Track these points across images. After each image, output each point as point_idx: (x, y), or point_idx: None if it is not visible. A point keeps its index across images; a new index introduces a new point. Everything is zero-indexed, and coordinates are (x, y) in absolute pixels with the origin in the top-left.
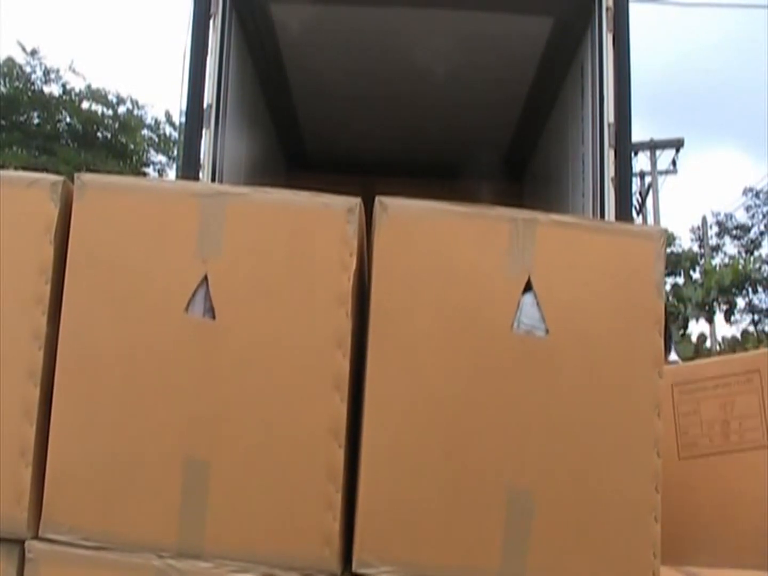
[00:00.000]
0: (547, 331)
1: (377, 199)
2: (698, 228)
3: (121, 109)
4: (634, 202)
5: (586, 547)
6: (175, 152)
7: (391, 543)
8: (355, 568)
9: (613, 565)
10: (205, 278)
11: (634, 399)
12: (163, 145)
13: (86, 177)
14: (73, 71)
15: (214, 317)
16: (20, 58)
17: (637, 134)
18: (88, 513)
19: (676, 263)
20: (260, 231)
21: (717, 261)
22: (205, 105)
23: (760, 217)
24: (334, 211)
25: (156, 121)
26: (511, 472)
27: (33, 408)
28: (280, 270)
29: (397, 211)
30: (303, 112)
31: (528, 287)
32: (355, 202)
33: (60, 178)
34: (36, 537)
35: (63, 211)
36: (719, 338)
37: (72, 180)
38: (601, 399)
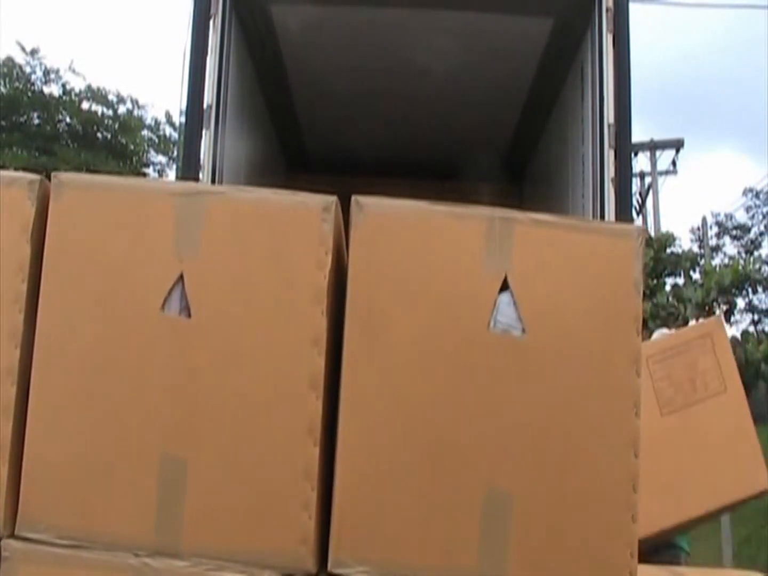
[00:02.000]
0: (523, 330)
1: (353, 198)
2: (698, 228)
3: (121, 109)
4: (634, 203)
5: (563, 546)
6: (175, 153)
7: (367, 542)
8: (330, 567)
9: (591, 565)
10: (182, 277)
11: (612, 398)
12: (163, 145)
13: (63, 176)
14: (73, 71)
15: (190, 315)
16: (20, 58)
17: (637, 134)
18: (65, 511)
19: (676, 264)
20: (237, 230)
21: (717, 261)
22: (205, 105)
23: (760, 217)
24: (310, 209)
25: (156, 121)
26: (488, 472)
27: (10, 406)
28: (257, 268)
29: (374, 210)
30: (303, 112)
31: (505, 286)
32: (331, 200)
33: (37, 177)
34: (12, 536)
35: (40, 210)
36: None
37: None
38: (579, 398)
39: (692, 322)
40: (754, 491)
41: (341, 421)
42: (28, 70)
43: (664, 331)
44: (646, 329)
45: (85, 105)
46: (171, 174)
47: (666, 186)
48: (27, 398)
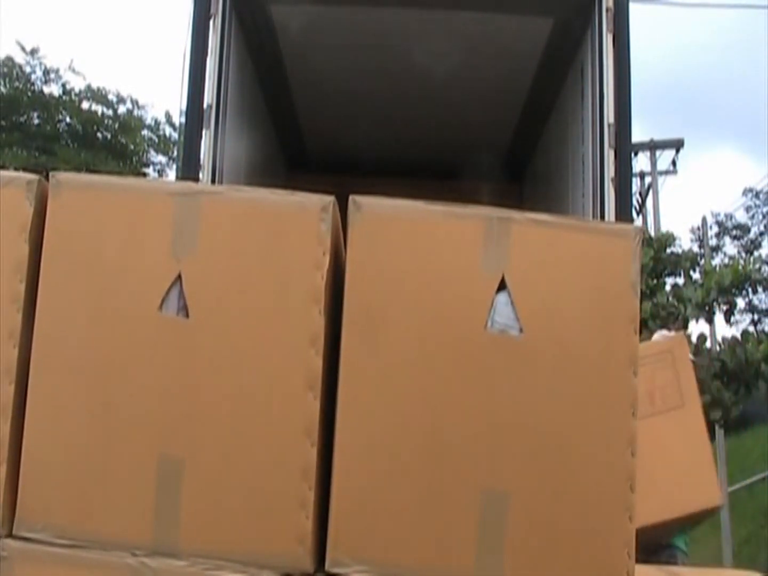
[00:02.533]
0: (521, 330)
1: (351, 198)
2: (698, 228)
3: (121, 109)
4: (634, 203)
5: (561, 547)
6: (175, 153)
7: (364, 542)
8: (328, 567)
9: (588, 565)
10: (179, 277)
11: (609, 398)
12: (163, 145)
13: (61, 176)
14: (73, 71)
15: (187, 315)
16: (20, 58)
17: (637, 134)
18: (63, 511)
19: (676, 263)
20: (235, 230)
21: (717, 261)
22: (205, 105)
23: (760, 217)
24: (308, 209)
25: (156, 121)
26: (485, 472)
27: (8, 405)
28: (254, 268)
29: (371, 210)
30: (303, 112)
31: (502, 286)
32: (329, 200)
33: (35, 177)
34: (10, 535)
35: (38, 209)
36: (719, 338)
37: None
38: (576, 398)
39: (692, 323)
40: (705, 506)
41: (339, 421)
42: (28, 69)
43: (664, 332)
44: (647, 329)
45: (85, 105)
46: (171, 174)
47: (666, 186)
48: (25, 398)
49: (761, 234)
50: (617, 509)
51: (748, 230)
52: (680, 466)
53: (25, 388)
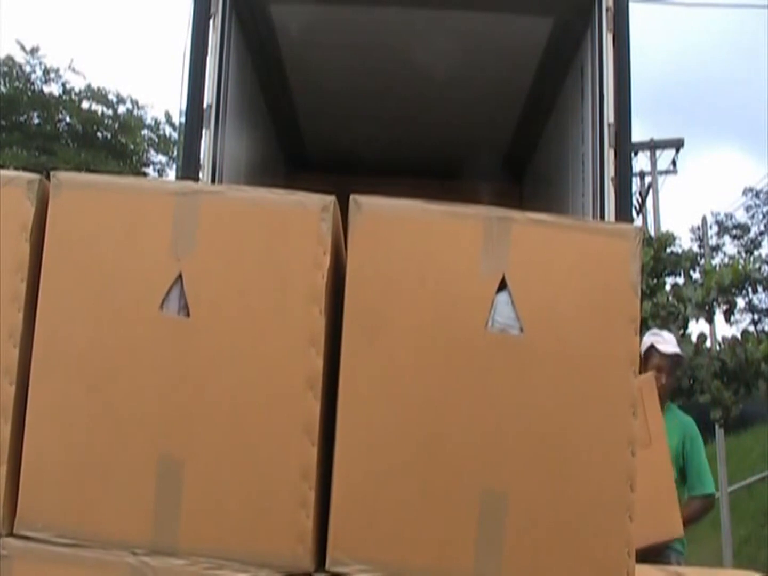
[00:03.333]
0: (521, 329)
1: (351, 197)
2: (698, 228)
3: (121, 109)
4: (634, 202)
5: (560, 546)
6: (175, 153)
7: (364, 542)
8: (328, 566)
9: (588, 565)
10: (180, 276)
11: (609, 398)
12: (163, 145)
13: (62, 175)
14: (73, 70)
15: (188, 315)
16: (20, 57)
17: (637, 134)
18: (63, 510)
19: (676, 263)
20: (234, 229)
21: (717, 261)
22: (205, 105)
23: (760, 217)
24: (308, 209)
25: (156, 121)
26: (485, 472)
27: (8, 405)
28: (254, 268)
29: (371, 209)
30: (303, 112)
31: (502, 286)
32: (330, 200)
33: (36, 177)
34: (11, 534)
35: (39, 209)
36: (719, 338)
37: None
38: (576, 397)
39: (692, 322)
40: (668, 537)
41: (339, 421)
42: (27, 69)
43: (655, 331)
44: (647, 328)
45: (85, 105)
46: (171, 174)
47: (666, 186)
48: (26, 397)
49: (761, 234)
50: (617, 508)
51: (748, 230)
52: (646, 500)
53: (26, 388)
